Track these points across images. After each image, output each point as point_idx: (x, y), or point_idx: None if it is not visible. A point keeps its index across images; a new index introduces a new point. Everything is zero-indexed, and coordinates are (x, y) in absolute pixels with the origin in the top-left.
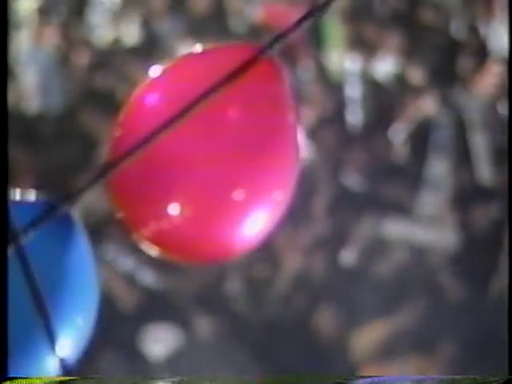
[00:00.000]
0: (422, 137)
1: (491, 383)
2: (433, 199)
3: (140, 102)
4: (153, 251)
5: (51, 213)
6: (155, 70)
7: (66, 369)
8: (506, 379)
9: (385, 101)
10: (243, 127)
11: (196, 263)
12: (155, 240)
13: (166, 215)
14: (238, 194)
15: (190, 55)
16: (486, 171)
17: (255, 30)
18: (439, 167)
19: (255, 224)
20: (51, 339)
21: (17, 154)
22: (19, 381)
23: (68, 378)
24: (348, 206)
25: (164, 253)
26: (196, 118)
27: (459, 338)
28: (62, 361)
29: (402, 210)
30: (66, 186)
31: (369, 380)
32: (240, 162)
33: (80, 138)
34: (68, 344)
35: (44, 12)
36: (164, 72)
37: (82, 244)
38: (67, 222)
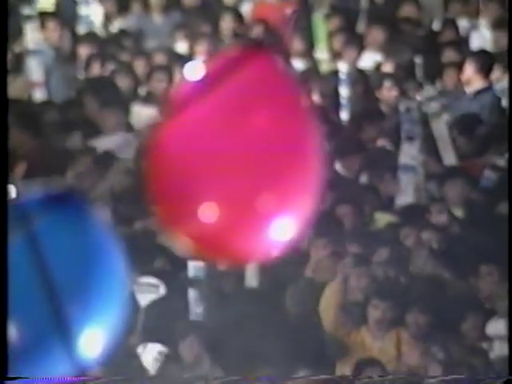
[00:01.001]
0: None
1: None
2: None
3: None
4: (185, 249)
5: (62, 200)
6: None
7: (83, 369)
8: (506, 379)
9: (369, 92)
10: (271, 137)
11: (224, 263)
12: (188, 238)
13: (199, 216)
14: (265, 201)
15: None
16: (450, 155)
17: (246, 25)
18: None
19: (282, 229)
20: (67, 337)
21: (23, 138)
22: None
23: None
24: (338, 190)
25: (194, 251)
26: (227, 129)
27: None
28: (80, 360)
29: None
30: (69, 168)
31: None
32: (267, 170)
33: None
34: (90, 341)
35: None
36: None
37: (99, 230)
38: (81, 208)
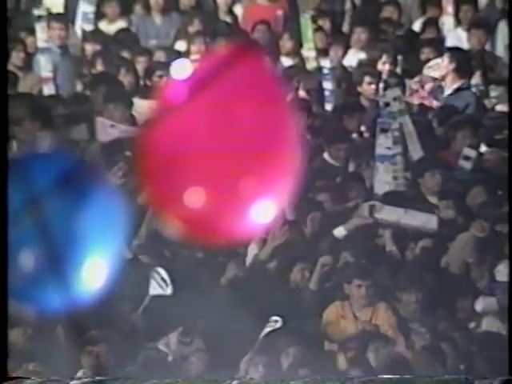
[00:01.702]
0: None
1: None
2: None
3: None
4: (174, 230)
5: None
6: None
7: (76, 309)
8: (506, 379)
9: (352, 87)
10: (253, 127)
11: (209, 244)
12: (177, 220)
13: (185, 200)
14: (247, 185)
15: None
16: (417, 149)
17: (239, 24)
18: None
19: (263, 212)
20: (63, 279)
21: (34, 129)
22: None
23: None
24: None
25: (182, 232)
26: (212, 117)
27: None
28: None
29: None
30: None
31: None
32: (250, 155)
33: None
34: (83, 281)
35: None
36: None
37: (102, 198)
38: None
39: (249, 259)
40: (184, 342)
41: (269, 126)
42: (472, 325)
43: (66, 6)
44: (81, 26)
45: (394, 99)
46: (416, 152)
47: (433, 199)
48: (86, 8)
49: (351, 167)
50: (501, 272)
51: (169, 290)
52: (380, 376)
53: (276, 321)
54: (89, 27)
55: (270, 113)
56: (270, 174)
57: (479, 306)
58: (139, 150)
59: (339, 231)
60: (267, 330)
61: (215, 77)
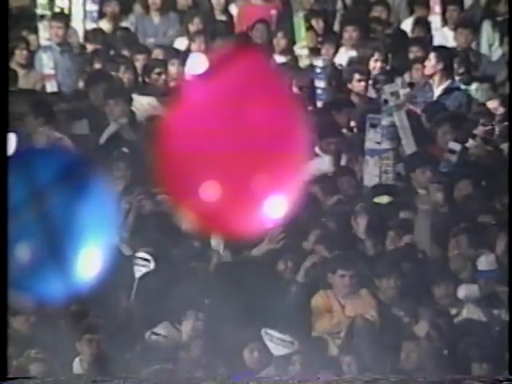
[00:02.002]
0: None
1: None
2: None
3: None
4: (190, 224)
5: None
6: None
7: (77, 294)
8: (506, 379)
9: (342, 85)
10: (265, 122)
11: (222, 237)
12: (192, 214)
13: (200, 195)
14: (259, 182)
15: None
16: (411, 143)
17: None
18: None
19: (275, 207)
20: (64, 268)
21: (37, 124)
22: None
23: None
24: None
25: (197, 225)
26: (225, 119)
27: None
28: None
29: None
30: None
31: None
32: (262, 151)
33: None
34: (81, 269)
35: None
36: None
37: (98, 190)
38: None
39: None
40: (177, 328)
41: (280, 123)
42: (453, 311)
43: (70, 7)
44: (84, 24)
45: (392, 94)
46: (409, 146)
47: (423, 192)
48: (90, 7)
49: (343, 161)
50: (482, 262)
51: (151, 266)
52: (382, 377)
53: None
54: (92, 25)
55: (279, 114)
56: (283, 170)
57: (461, 293)
58: (157, 145)
59: None
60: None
61: (224, 74)
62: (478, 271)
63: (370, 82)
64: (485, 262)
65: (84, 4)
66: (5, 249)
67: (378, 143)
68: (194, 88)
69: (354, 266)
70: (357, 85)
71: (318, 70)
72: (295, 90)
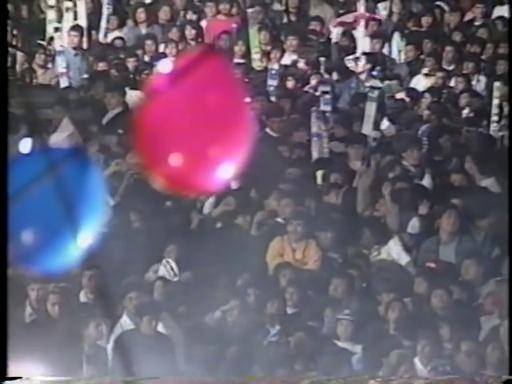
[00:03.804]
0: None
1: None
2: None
3: (156, 91)
4: (159, 185)
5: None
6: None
7: (85, 257)
8: (506, 379)
9: (291, 83)
10: (218, 109)
11: (186, 194)
12: (162, 177)
13: (169, 162)
14: (215, 151)
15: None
16: (369, 128)
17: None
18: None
19: (226, 170)
20: (75, 234)
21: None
22: None
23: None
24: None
25: (167, 186)
26: (189, 103)
27: None
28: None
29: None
30: (85, 132)
31: None
32: (216, 129)
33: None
34: (87, 237)
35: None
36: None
37: (97, 175)
38: (88, 159)
39: (205, 210)
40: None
41: (230, 107)
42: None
43: (89, 21)
44: (91, 34)
45: (372, 88)
46: (367, 129)
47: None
48: (103, 24)
49: (296, 138)
50: (412, 226)
51: (137, 224)
52: (385, 377)
53: None
54: (101, 36)
55: (230, 99)
56: (231, 142)
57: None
58: (134, 125)
59: None
60: None
61: (189, 71)
62: (406, 232)
63: (312, 78)
64: (414, 226)
65: (102, 21)
66: (5, 248)
67: (320, 128)
68: (166, 81)
69: (303, 218)
70: (298, 82)
71: (270, 71)
72: (250, 85)
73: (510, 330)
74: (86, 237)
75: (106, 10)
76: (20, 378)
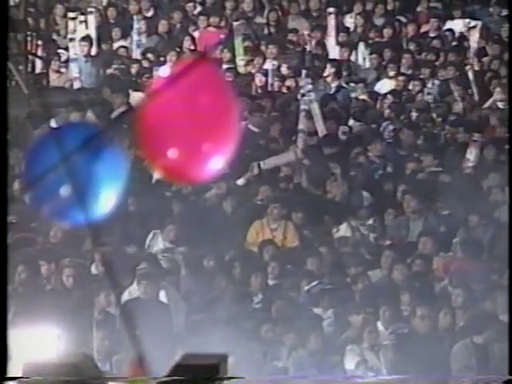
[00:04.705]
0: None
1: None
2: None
3: (156, 93)
4: (159, 175)
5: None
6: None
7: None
8: (506, 379)
9: (266, 84)
10: (208, 104)
11: (182, 182)
12: (161, 168)
13: (167, 155)
14: (207, 146)
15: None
16: (322, 128)
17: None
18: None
19: (216, 163)
20: (83, 202)
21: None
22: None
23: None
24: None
25: (166, 176)
26: (183, 104)
27: None
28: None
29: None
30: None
31: None
32: (209, 127)
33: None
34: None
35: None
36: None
37: (115, 154)
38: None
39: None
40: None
41: (220, 107)
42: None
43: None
44: (100, 44)
45: (309, 91)
46: (321, 130)
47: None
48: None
49: (274, 133)
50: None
51: (132, 208)
52: (386, 377)
53: None
54: (104, 45)
55: (220, 100)
56: (221, 138)
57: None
58: (139, 122)
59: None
60: None
61: (184, 75)
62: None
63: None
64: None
65: (98, 31)
66: (5, 249)
67: (305, 125)
68: (165, 84)
69: (280, 201)
70: (277, 85)
71: (255, 75)
72: (236, 88)
73: (509, 330)
74: (97, 208)
75: (112, 23)
76: (20, 377)
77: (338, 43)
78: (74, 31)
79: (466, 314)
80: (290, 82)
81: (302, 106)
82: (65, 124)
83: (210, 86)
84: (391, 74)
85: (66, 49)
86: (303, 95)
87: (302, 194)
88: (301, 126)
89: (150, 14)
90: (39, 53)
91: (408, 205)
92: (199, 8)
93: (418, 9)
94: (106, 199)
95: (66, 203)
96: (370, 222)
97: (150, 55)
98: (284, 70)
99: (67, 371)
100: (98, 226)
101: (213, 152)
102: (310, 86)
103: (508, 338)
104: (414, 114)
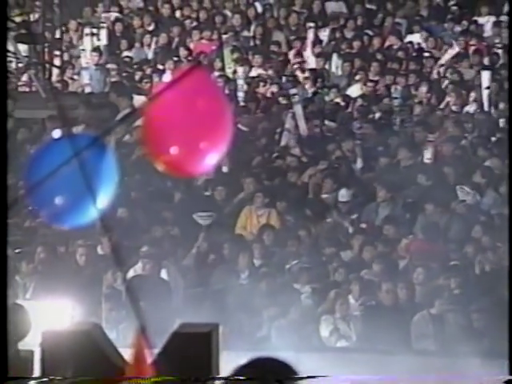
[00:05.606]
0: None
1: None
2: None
3: (159, 98)
4: (162, 169)
5: (93, 143)
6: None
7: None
8: (506, 379)
9: (253, 89)
10: (203, 107)
11: (183, 176)
12: (164, 164)
13: (169, 152)
14: (204, 144)
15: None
16: (304, 128)
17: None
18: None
19: (212, 158)
20: (94, 198)
21: (77, 112)
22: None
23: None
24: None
25: (168, 171)
26: (182, 106)
27: None
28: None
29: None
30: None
31: None
32: (206, 127)
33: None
34: (103, 201)
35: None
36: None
37: (111, 160)
38: (104, 148)
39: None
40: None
41: (214, 110)
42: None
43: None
44: (107, 54)
45: (294, 95)
46: (303, 129)
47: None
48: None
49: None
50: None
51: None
52: (392, 378)
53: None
54: (114, 56)
55: (214, 102)
56: (216, 137)
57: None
58: (144, 122)
59: None
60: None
61: (182, 82)
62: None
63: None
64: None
65: (107, 43)
66: (5, 249)
67: (291, 124)
68: (165, 89)
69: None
70: (262, 89)
71: (239, 82)
72: (226, 92)
73: (509, 330)
74: (102, 202)
75: (118, 36)
76: (20, 378)
77: (315, 54)
78: (86, 43)
79: (425, 288)
80: (272, 88)
81: (292, 109)
82: (63, 135)
83: (205, 90)
84: (361, 80)
85: (79, 58)
86: (289, 98)
87: (286, 185)
88: (287, 126)
89: (151, 28)
90: (56, 62)
91: (378, 193)
92: (194, 23)
93: (384, 24)
94: (108, 195)
95: (63, 209)
96: (345, 210)
97: (151, 64)
98: (267, 76)
99: (80, 337)
100: (106, 214)
101: (209, 149)
102: (295, 90)
103: (508, 338)
104: (379, 115)
